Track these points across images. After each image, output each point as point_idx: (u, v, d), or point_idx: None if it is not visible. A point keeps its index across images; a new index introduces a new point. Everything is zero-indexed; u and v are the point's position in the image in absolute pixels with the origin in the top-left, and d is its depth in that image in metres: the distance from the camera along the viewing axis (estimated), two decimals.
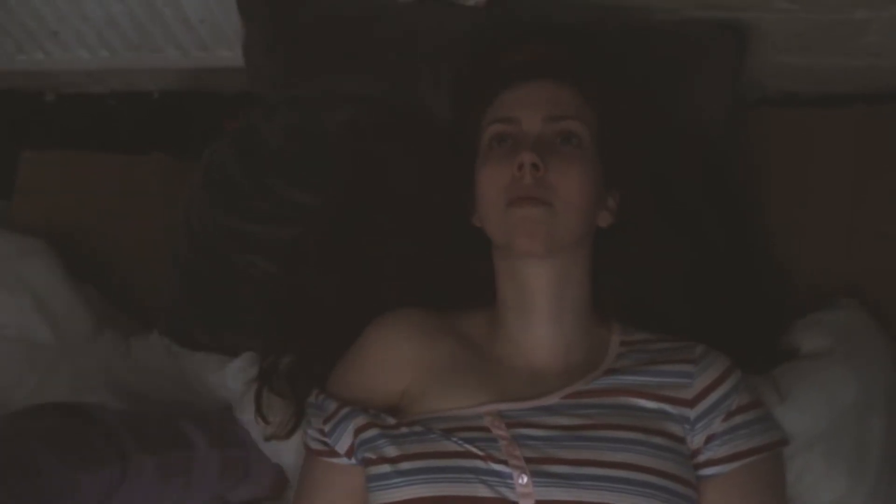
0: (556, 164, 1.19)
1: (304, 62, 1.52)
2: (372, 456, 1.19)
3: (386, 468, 1.17)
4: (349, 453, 1.22)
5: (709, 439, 1.18)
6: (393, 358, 1.28)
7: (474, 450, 1.15)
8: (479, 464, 1.14)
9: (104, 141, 1.74)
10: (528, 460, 1.14)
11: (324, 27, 1.52)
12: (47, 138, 1.75)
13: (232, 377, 1.43)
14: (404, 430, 1.19)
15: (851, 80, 1.58)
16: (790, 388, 1.29)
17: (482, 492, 1.13)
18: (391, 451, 1.18)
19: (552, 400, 1.20)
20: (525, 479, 1.13)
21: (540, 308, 1.23)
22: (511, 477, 1.13)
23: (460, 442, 1.16)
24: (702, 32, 1.50)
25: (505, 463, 1.14)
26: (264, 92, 1.55)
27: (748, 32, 1.51)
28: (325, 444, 1.24)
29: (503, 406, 1.19)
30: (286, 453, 1.40)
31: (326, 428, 1.24)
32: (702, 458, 1.18)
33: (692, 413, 1.19)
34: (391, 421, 1.21)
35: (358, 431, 1.21)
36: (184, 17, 1.57)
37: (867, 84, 1.58)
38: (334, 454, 1.23)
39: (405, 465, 1.16)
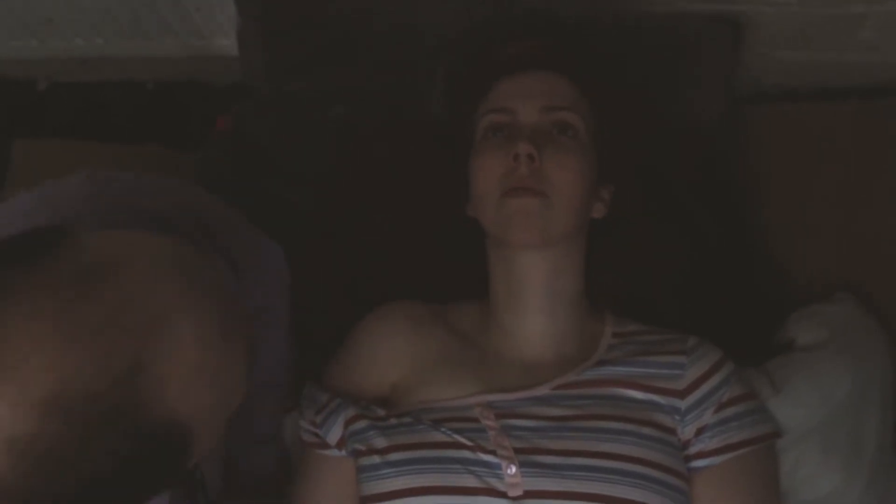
0: (551, 155, 1.19)
1: (299, 55, 1.51)
2: (362, 447, 1.19)
3: (375, 459, 1.17)
4: (340, 445, 1.22)
5: (700, 431, 1.18)
6: (384, 350, 1.28)
7: (463, 440, 1.15)
8: (468, 454, 1.14)
9: (97, 130, 1.72)
10: (517, 450, 1.14)
11: (320, 19, 1.51)
12: (40, 127, 1.74)
13: None
14: (393, 421, 1.19)
15: (847, 74, 1.57)
16: (785, 380, 1.29)
17: (471, 482, 1.13)
18: (380, 442, 1.18)
19: (542, 391, 1.20)
20: (514, 469, 1.12)
21: (533, 299, 1.23)
22: (500, 467, 1.13)
23: (449, 432, 1.16)
24: (698, 26, 1.49)
25: (493, 453, 1.14)
26: (258, 85, 1.54)
27: (744, 26, 1.50)
28: (316, 435, 1.24)
29: (492, 397, 1.19)
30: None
31: (318, 419, 1.24)
32: (693, 449, 1.18)
33: (683, 404, 1.19)
34: (381, 412, 1.21)
35: (348, 423, 1.22)
36: (179, 4, 1.56)
37: (863, 78, 1.57)
38: (326, 446, 1.24)
39: (394, 456, 1.16)
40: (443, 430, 1.16)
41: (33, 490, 0.69)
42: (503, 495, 1.12)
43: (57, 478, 0.69)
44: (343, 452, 1.22)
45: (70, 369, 0.69)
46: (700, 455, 1.18)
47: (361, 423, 1.20)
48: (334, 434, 1.22)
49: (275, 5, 1.52)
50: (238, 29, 1.54)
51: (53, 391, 0.69)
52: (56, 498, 0.70)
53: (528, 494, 1.11)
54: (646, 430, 1.16)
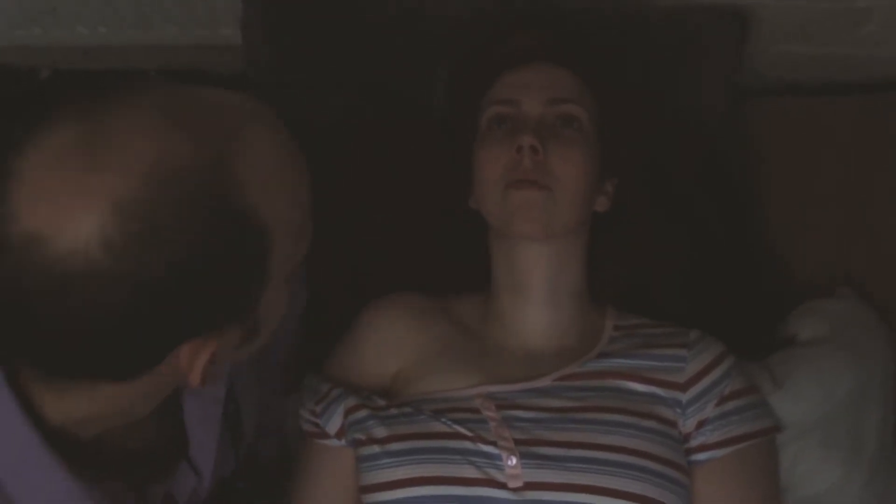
0: (555, 148, 1.19)
1: (303, 47, 1.51)
2: (362, 437, 1.19)
3: (375, 449, 1.17)
4: (340, 435, 1.22)
5: (701, 424, 1.18)
6: (386, 340, 1.28)
7: (463, 431, 1.15)
8: (468, 445, 1.14)
9: None
10: (518, 442, 1.14)
11: (324, 11, 1.50)
12: None
13: None
14: (394, 411, 1.20)
15: (852, 69, 1.57)
16: (786, 375, 1.29)
17: (470, 472, 1.13)
18: (380, 431, 1.18)
19: (544, 382, 1.20)
20: (514, 460, 1.12)
21: (535, 291, 1.24)
22: (500, 458, 1.13)
23: (449, 423, 1.16)
24: (703, 19, 1.49)
25: (494, 444, 1.14)
26: (261, 77, 1.54)
27: (748, 20, 1.50)
28: (316, 425, 1.24)
29: (494, 388, 1.19)
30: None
31: (318, 409, 1.24)
32: (694, 442, 1.18)
33: (684, 397, 1.19)
34: (381, 402, 1.21)
35: (348, 412, 1.22)
36: None
37: (867, 73, 1.57)
38: (325, 436, 1.24)
39: (394, 446, 1.16)
40: (443, 420, 1.16)
41: (138, 257, 0.77)
42: (503, 486, 1.12)
43: (157, 245, 0.78)
44: (343, 442, 1.22)
45: (169, 147, 0.79)
46: (701, 448, 1.18)
47: (361, 413, 1.20)
48: (334, 424, 1.22)
49: (279, 5, 1.51)
50: (242, 19, 1.54)
51: (154, 163, 0.78)
52: (158, 267, 0.78)
53: (529, 486, 1.11)
54: (647, 423, 1.16)
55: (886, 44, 1.52)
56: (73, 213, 0.76)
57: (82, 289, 0.77)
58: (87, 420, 0.90)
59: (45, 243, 0.76)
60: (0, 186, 0.77)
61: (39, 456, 0.87)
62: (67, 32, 1.64)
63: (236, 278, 0.85)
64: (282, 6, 1.51)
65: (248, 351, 0.94)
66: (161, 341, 0.83)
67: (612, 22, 1.46)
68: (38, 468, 0.87)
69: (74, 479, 0.88)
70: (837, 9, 1.47)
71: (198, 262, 0.80)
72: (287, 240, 0.88)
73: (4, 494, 0.87)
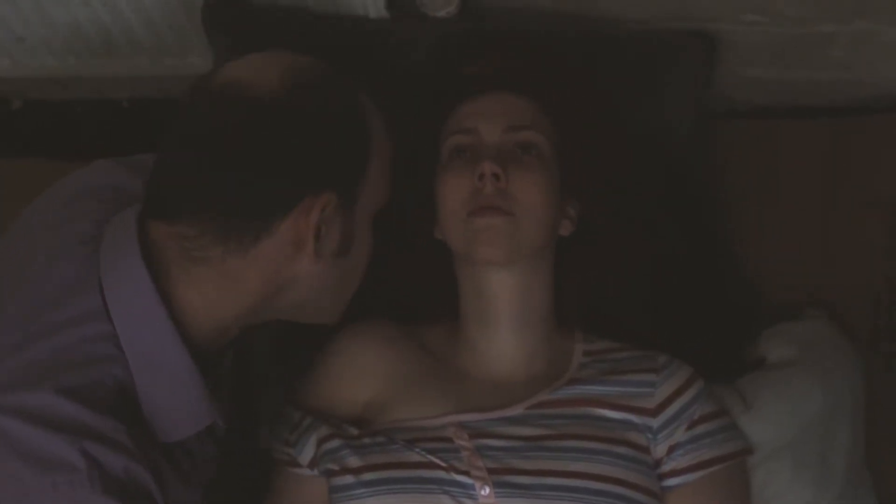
0: (516, 174, 1.19)
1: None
2: (335, 467, 1.19)
3: (349, 479, 1.17)
4: (312, 464, 1.22)
5: (672, 449, 1.19)
6: (358, 368, 1.27)
7: (437, 460, 1.15)
8: (442, 474, 1.14)
9: (73, 149, 1.71)
10: (491, 471, 1.14)
11: (291, 39, 1.49)
12: (14, 146, 1.74)
13: None
14: (367, 440, 1.19)
15: (818, 92, 1.58)
16: (756, 397, 1.29)
17: (445, 502, 1.13)
18: (354, 461, 1.18)
19: (516, 410, 1.20)
20: (487, 489, 1.13)
21: (502, 318, 1.24)
22: (473, 488, 1.13)
23: (423, 452, 1.16)
24: (671, 43, 1.49)
25: (467, 474, 1.14)
26: None
27: (716, 44, 1.51)
28: (289, 454, 1.24)
29: (466, 417, 1.20)
30: None
31: (291, 438, 1.24)
32: (665, 467, 1.19)
33: (655, 422, 1.19)
34: (354, 431, 1.21)
35: (321, 442, 1.22)
36: (152, 23, 1.55)
37: (834, 97, 1.58)
38: (297, 465, 1.23)
39: (368, 476, 1.16)
40: (417, 450, 1.16)
41: (301, 98, 1.04)
42: None
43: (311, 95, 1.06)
44: (315, 472, 1.22)
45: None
46: (673, 473, 1.19)
47: (334, 443, 1.20)
48: (307, 453, 1.22)
49: (246, 39, 1.50)
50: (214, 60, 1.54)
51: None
52: (310, 110, 1.05)
53: None
54: (620, 450, 1.17)
55: (852, 68, 1.54)
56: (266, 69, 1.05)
57: (263, 114, 1.02)
58: (203, 316, 1.04)
59: (242, 86, 1.03)
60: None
61: (169, 333, 1.01)
62: (37, 62, 1.64)
63: (348, 145, 1.07)
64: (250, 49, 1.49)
65: (342, 265, 1.11)
66: (297, 180, 1.03)
67: (580, 45, 1.46)
68: (169, 348, 1.01)
69: (191, 360, 1.02)
70: (804, 33, 1.49)
71: (328, 118, 1.05)
72: (378, 164, 1.10)
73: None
